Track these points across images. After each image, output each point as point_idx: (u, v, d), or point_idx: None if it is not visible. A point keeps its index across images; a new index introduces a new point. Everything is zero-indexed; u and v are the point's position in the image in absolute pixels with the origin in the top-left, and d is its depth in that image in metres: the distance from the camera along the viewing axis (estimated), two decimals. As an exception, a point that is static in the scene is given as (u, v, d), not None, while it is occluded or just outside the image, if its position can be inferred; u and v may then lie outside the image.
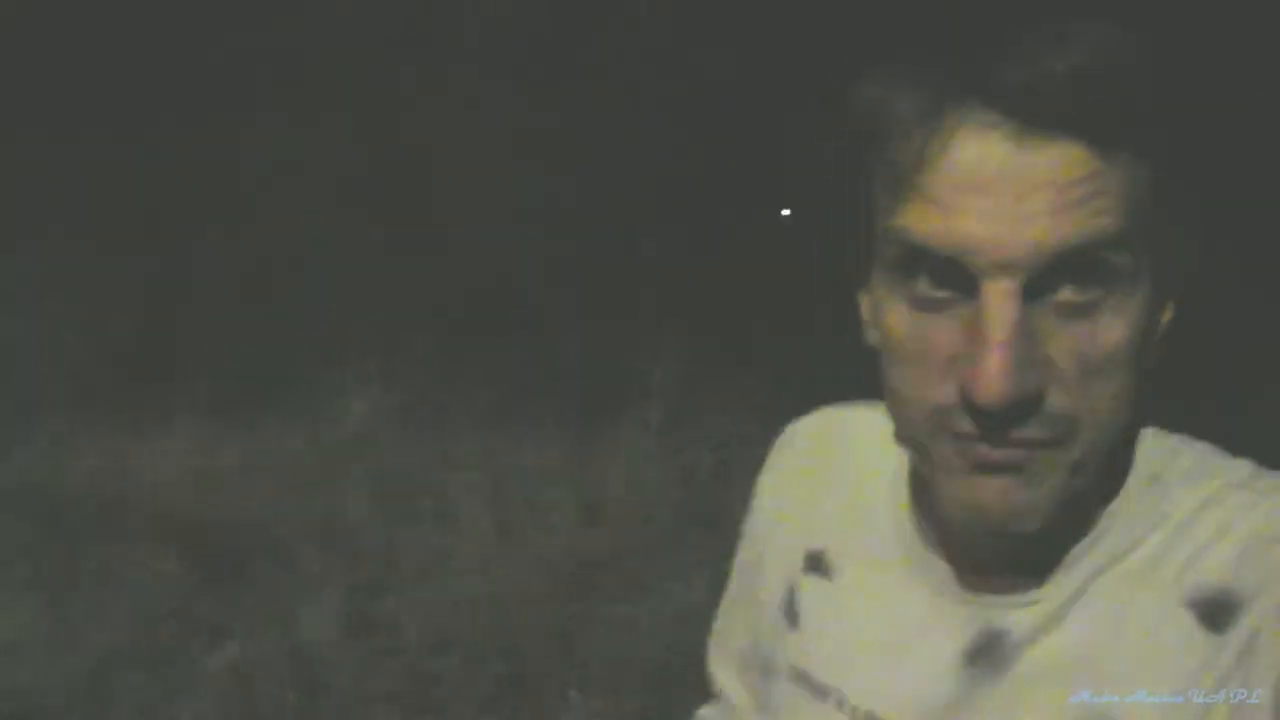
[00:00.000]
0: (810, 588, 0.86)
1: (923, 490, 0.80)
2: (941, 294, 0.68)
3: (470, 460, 4.65)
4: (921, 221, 0.67)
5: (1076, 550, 0.74)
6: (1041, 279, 0.65)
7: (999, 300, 0.65)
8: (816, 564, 0.86)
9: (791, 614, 0.86)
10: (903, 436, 0.74)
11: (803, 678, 0.84)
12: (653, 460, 4.66)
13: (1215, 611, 0.69)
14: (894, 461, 0.84)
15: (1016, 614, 0.74)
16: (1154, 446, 0.76)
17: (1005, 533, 0.70)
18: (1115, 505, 0.74)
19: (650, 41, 6.24)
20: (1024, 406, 0.66)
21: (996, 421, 0.66)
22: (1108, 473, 0.73)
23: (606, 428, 4.71)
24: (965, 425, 0.68)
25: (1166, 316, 0.74)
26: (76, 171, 6.50)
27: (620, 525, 4.45)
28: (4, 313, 5.85)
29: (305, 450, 4.85)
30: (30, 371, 5.66)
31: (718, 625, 1.01)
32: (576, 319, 5.63)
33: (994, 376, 0.64)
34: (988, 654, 0.75)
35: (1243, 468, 0.74)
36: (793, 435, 0.95)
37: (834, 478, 0.88)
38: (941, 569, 0.78)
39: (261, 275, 6.33)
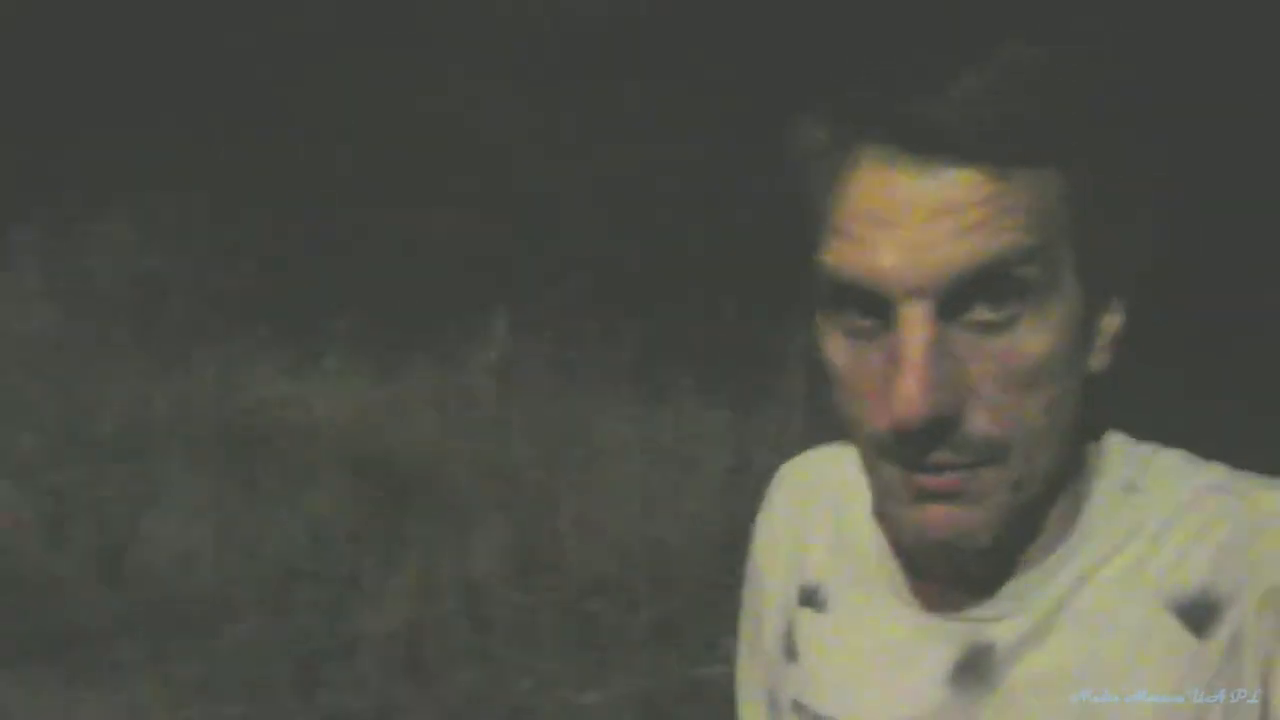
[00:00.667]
0: (805, 621, 0.87)
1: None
2: (867, 323, 0.70)
3: (621, 412, 4.74)
4: (839, 255, 0.69)
5: (1055, 559, 0.74)
6: (954, 300, 0.67)
7: (911, 324, 0.66)
8: (810, 598, 0.87)
9: (790, 649, 0.87)
10: (861, 463, 0.76)
11: (802, 710, 0.85)
12: (797, 423, 4.72)
13: (1198, 614, 0.70)
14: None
15: (1001, 627, 0.75)
16: (1126, 454, 0.77)
17: (957, 552, 0.72)
18: (1091, 513, 0.75)
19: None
20: (941, 426, 0.67)
21: (916, 442, 0.68)
22: (1072, 477, 0.75)
23: (755, 389, 4.77)
24: (899, 450, 0.70)
25: (1113, 320, 0.74)
26: (232, 114, 6.67)
27: (766, 485, 4.52)
28: (161, 248, 6.04)
29: (456, 391, 4.97)
30: (186, 305, 5.85)
31: (740, 670, 1.01)
32: (730, 279, 5.66)
33: (909, 396, 0.66)
34: (976, 669, 0.75)
35: (1217, 471, 0.75)
36: (784, 476, 0.96)
37: (824, 513, 0.89)
38: (925, 590, 0.79)
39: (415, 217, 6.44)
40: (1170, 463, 0.76)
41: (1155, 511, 0.74)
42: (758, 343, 5.01)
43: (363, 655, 3.53)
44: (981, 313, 0.67)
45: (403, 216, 6.35)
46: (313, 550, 3.88)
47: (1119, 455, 0.77)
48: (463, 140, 6.63)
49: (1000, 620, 0.75)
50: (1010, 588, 0.75)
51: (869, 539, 0.84)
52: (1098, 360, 0.74)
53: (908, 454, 0.69)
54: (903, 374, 0.66)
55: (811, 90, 0.73)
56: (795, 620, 0.88)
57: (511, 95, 6.77)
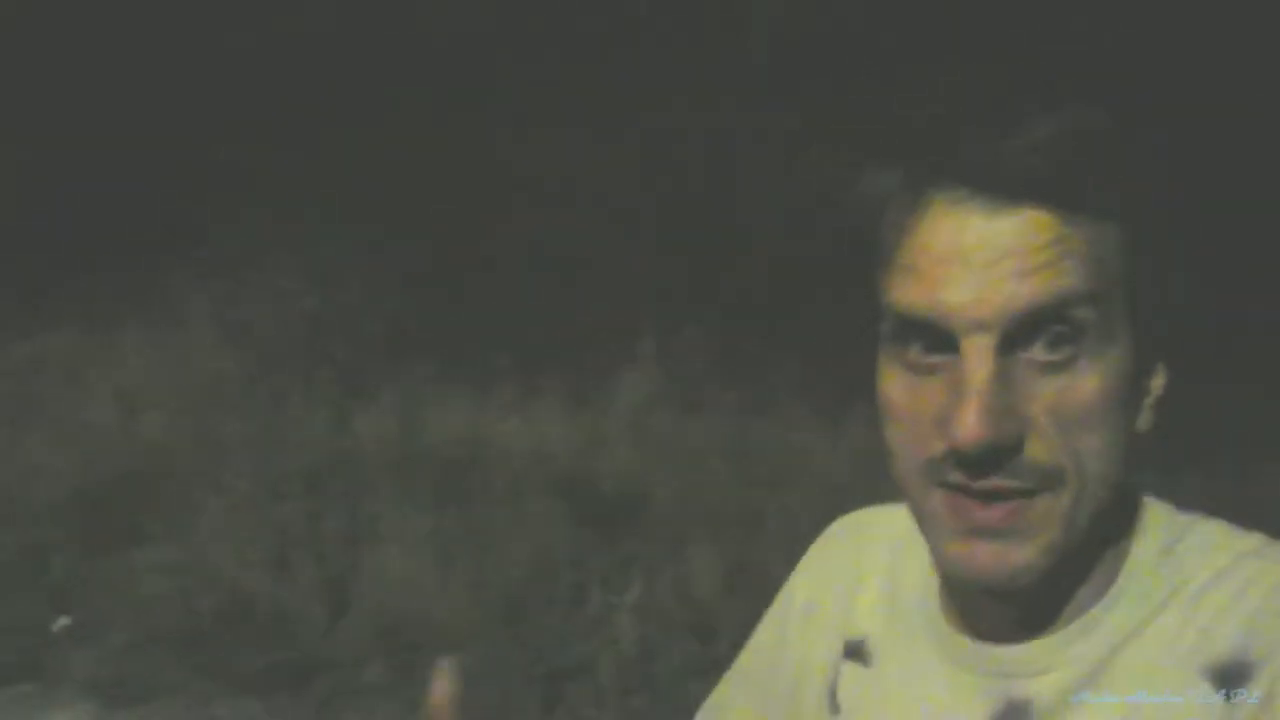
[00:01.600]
0: (851, 675, 0.88)
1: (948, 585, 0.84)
2: (931, 359, 0.73)
3: (806, 427, 4.80)
4: (906, 292, 0.72)
5: (1091, 617, 0.76)
6: (1016, 336, 0.70)
7: (975, 355, 0.70)
8: (856, 652, 0.88)
9: (834, 703, 0.88)
10: (907, 501, 0.78)
11: None
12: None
13: (1231, 679, 0.70)
14: (926, 555, 0.86)
15: (1037, 684, 0.76)
16: (1165, 519, 0.79)
17: (1004, 591, 0.73)
18: (1130, 572, 0.77)
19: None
20: (1002, 452, 0.70)
21: (977, 465, 0.70)
22: (1113, 534, 0.77)
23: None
24: (954, 476, 0.72)
25: (1158, 380, 0.77)
26: (390, 158, 6.86)
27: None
28: (338, 286, 6.24)
29: (640, 415, 5.07)
30: (360, 341, 6.04)
31: (715, 697, 1.02)
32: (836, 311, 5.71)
33: (972, 421, 0.68)
34: None
35: (1254, 539, 0.76)
36: (833, 533, 0.98)
37: (872, 570, 0.91)
38: (965, 645, 0.81)
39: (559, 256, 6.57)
40: (1209, 530, 0.78)
41: (1193, 577, 0.75)
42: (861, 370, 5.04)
43: (599, 673, 3.61)
44: (1040, 352, 0.70)
45: (559, 244, 6.50)
46: (536, 575, 3.98)
47: (1159, 520, 0.79)
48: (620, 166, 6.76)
49: (1038, 677, 0.76)
50: (1049, 644, 0.76)
51: (918, 595, 0.86)
52: (1144, 419, 0.76)
53: (966, 476, 0.71)
54: (965, 401, 0.69)
55: (884, 137, 0.77)
56: (841, 674, 0.89)
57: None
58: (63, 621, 4.22)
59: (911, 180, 0.73)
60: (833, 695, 0.89)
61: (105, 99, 6.90)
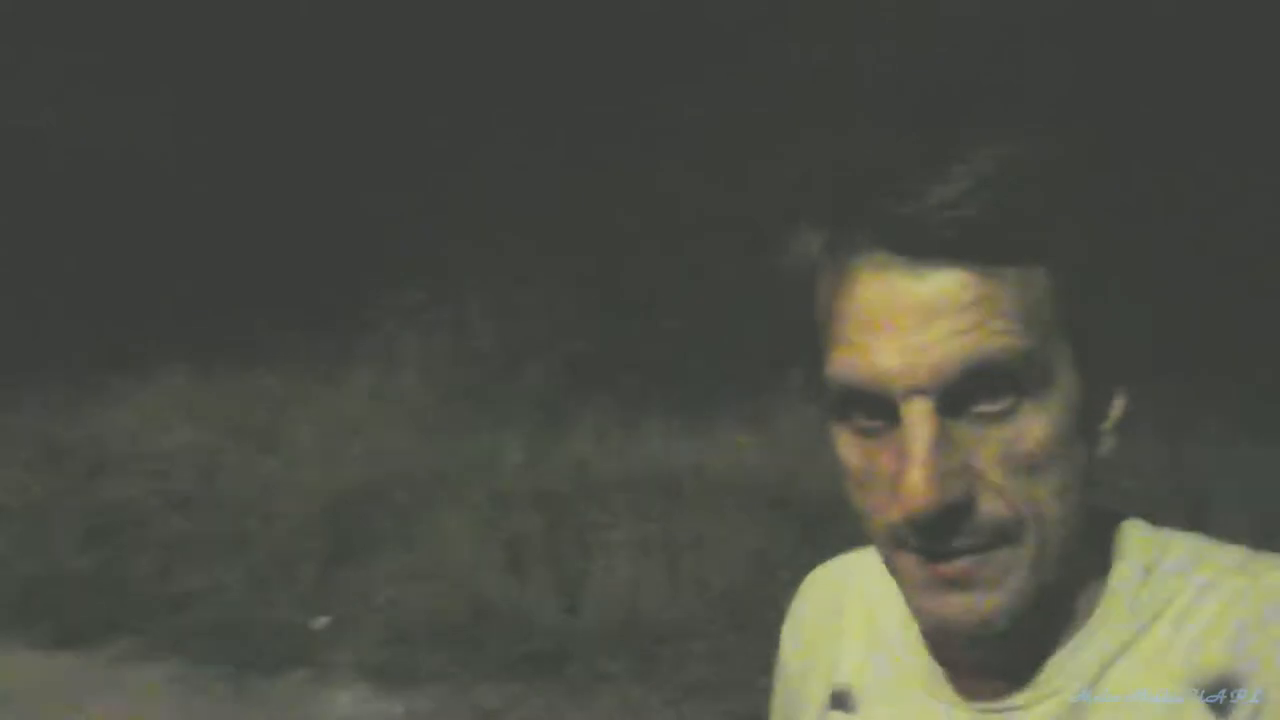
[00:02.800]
0: None
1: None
2: (875, 424, 0.72)
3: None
4: (844, 365, 0.72)
5: (1078, 642, 0.76)
6: (954, 396, 0.69)
7: (915, 420, 0.69)
8: (842, 701, 0.88)
9: None
10: (882, 559, 0.77)
11: None
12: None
13: (1220, 694, 0.71)
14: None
15: (1034, 714, 0.76)
16: (1143, 538, 0.79)
17: (978, 639, 0.73)
18: (1112, 595, 0.77)
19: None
20: (953, 514, 0.69)
21: (930, 531, 0.70)
22: (1088, 560, 0.76)
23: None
24: (912, 540, 0.72)
25: (1117, 406, 0.76)
26: (545, 196, 7.28)
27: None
28: (529, 319, 6.71)
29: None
30: (549, 370, 6.48)
31: None
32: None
33: (917, 488, 0.68)
34: None
35: (1235, 552, 0.76)
36: (810, 584, 0.97)
37: (853, 617, 0.91)
38: (955, 682, 0.80)
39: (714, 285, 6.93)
40: (1189, 546, 0.78)
41: (1177, 595, 0.75)
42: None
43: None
44: (981, 405, 0.70)
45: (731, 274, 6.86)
46: (755, 578, 4.35)
47: (1136, 540, 0.78)
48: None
49: (1029, 708, 0.76)
50: (1037, 674, 0.76)
51: (900, 638, 0.86)
52: (1104, 444, 0.76)
53: (923, 542, 0.71)
54: (910, 468, 0.69)
55: (805, 204, 0.77)
56: None
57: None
58: (322, 620, 4.71)
59: (833, 246, 0.73)
60: None
61: (318, 148, 7.47)
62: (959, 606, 0.71)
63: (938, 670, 0.82)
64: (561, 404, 6.00)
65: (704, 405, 5.73)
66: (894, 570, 0.76)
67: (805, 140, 6.02)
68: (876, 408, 0.71)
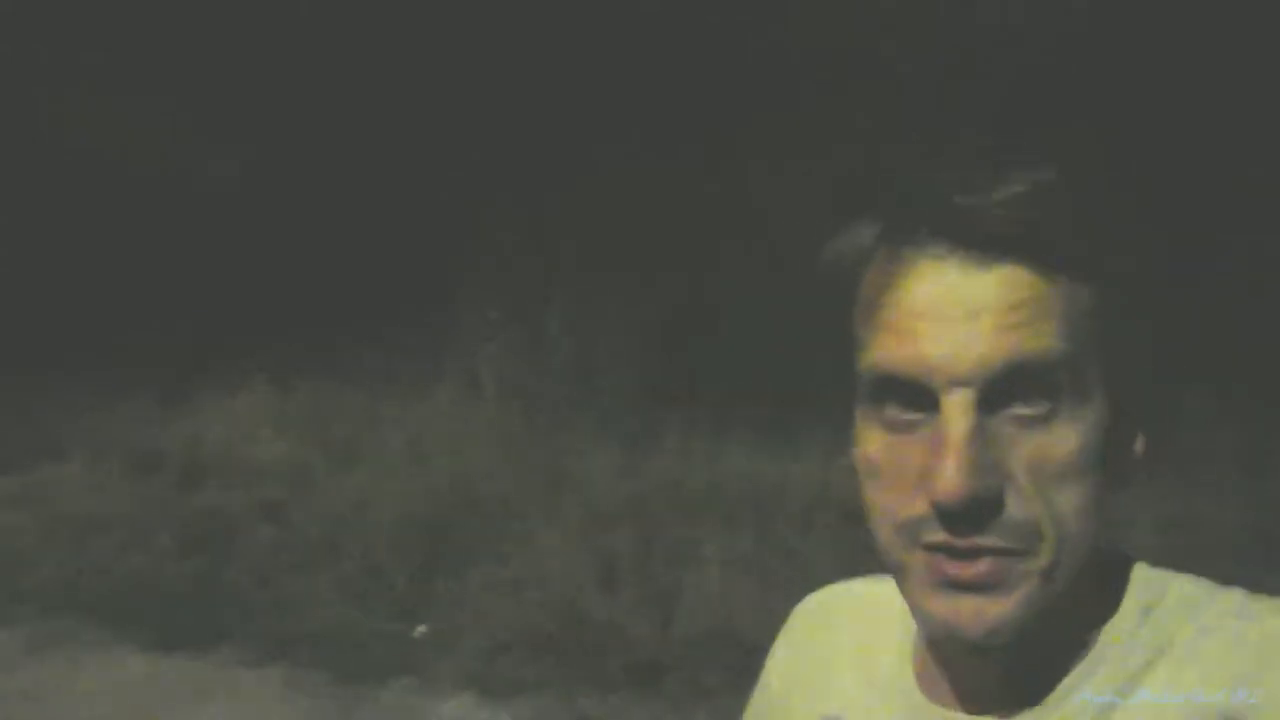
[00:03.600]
0: None
1: (923, 646, 0.84)
2: (910, 416, 0.73)
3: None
4: (887, 351, 0.73)
5: (1073, 677, 0.76)
6: (994, 392, 0.70)
7: (955, 410, 0.70)
8: None
9: None
10: (885, 558, 0.77)
11: None
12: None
13: None
14: (900, 630, 0.86)
15: None
16: (1145, 578, 0.78)
17: (984, 646, 0.72)
18: (1110, 633, 0.76)
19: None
20: (982, 506, 0.69)
21: (959, 520, 0.70)
22: (1091, 595, 0.76)
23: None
24: (936, 536, 0.71)
25: (1138, 446, 0.77)
26: (624, 208, 7.36)
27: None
28: (601, 335, 6.83)
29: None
30: (621, 387, 6.60)
31: None
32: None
33: (953, 475, 0.68)
34: None
35: (1235, 595, 0.76)
36: (804, 611, 0.98)
37: (845, 648, 0.90)
38: (947, 717, 0.80)
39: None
40: (1188, 588, 0.77)
41: (1175, 637, 0.75)
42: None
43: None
44: (1018, 408, 0.71)
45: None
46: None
47: (1137, 579, 0.79)
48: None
49: None
50: (1030, 709, 0.76)
51: (893, 670, 0.86)
52: (1123, 480, 0.76)
53: (947, 534, 0.71)
54: (946, 456, 0.69)
55: (864, 194, 0.78)
56: None
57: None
58: (422, 629, 4.85)
59: (890, 236, 0.74)
60: None
61: (400, 163, 7.62)
62: (969, 610, 0.71)
63: (929, 706, 0.81)
64: (643, 420, 6.12)
65: (786, 422, 5.82)
66: (902, 573, 0.75)
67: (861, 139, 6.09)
68: (914, 398, 0.72)
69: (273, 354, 6.86)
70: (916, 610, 0.76)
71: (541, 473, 5.74)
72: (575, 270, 7.25)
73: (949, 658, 0.79)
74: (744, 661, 4.02)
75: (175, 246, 7.44)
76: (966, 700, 0.79)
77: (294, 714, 4.36)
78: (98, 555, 5.74)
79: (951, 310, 0.71)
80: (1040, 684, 0.76)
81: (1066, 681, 0.75)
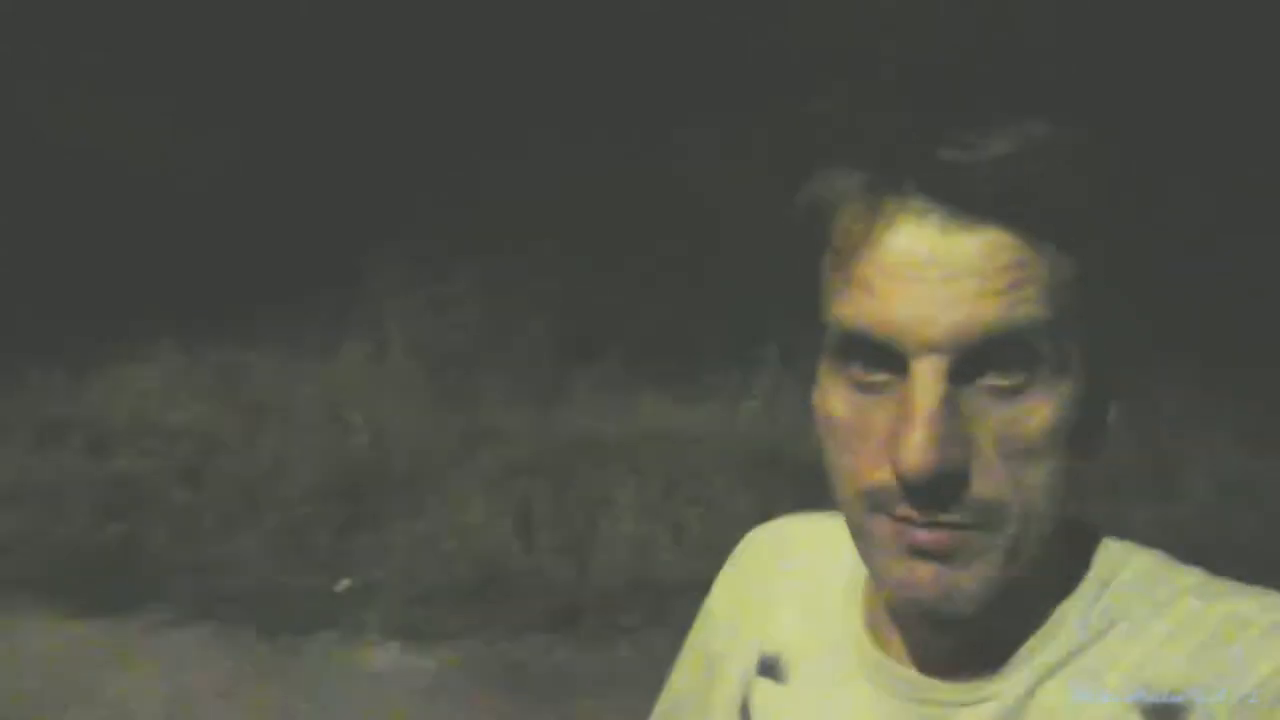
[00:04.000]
0: (763, 691, 0.86)
1: (876, 595, 0.82)
2: (876, 377, 0.70)
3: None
4: (856, 308, 0.69)
5: (1026, 648, 0.74)
6: (968, 361, 0.67)
7: (925, 377, 0.67)
8: (771, 668, 0.86)
9: (745, 718, 0.87)
10: (845, 516, 0.75)
11: None
12: None
13: (1165, 714, 0.69)
14: (849, 570, 0.84)
15: (968, 713, 0.75)
16: (1107, 551, 0.77)
17: (939, 616, 0.71)
18: (1067, 605, 0.75)
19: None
20: (947, 482, 0.67)
21: (923, 495, 0.68)
22: (1051, 567, 0.74)
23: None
24: (900, 507, 0.69)
25: (1110, 416, 0.75)
26: (535, 168, 7.46)
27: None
28: (509, 297, 6.96)
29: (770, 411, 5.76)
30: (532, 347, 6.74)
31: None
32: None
33: (917, 447, 0.66)
34: None
35: (1192, 574, 0.75)
36: (752, 541, 0.96)
37: (791, 584, 0.89)
38: (893, 671, 0.79)
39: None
40: (1147, 564, 0.77)
41: (1130, 609, 0.74)
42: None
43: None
44: (992, 378, 0.68)
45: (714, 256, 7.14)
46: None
47: (1100, 552, 0.77)
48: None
49: (968, 705, 0.75)
50: (982, 678, 0.75)
51: (841, 614, 0.84)
52: (1093, 451, 0.74)
53: (909, 507, 0.69)
54: (913, 426, 0.66)
55: (850, 138, 0.74)
56: (752, 690, 0.87)
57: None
58: (345, 583, 4.98)
59: (870, 185, 0.70)
60: (744, 712, 0.87)
61: (303, 120, 7.62)
62: (927, 577, 0.70)
63: (875, 655, 0.80)
64: (552, 377, 6.29)
65: (692, 375, 6.04)
66: (862, 536, 0.73)
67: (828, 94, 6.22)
68: (881, 360, 0.69)
69: (177, 320, 6.86)
70: (874, 572, 0.74)
71: (454, 429, 5.88)
72: (483, 230, 7.35)
73: (904, 619, 0.78)
74: (659, 603, 4.27)
75: (78, 214, 7.36)
76: (917, 657, 0.78)
77: (222, 670, 4.48)
78: (12, 526, 5.74)
79: (929, 271, 0.67)
80: (993, 651, 0.75)
81: (1020, 651, 0.74)
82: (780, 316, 6.27)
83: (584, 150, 7.27)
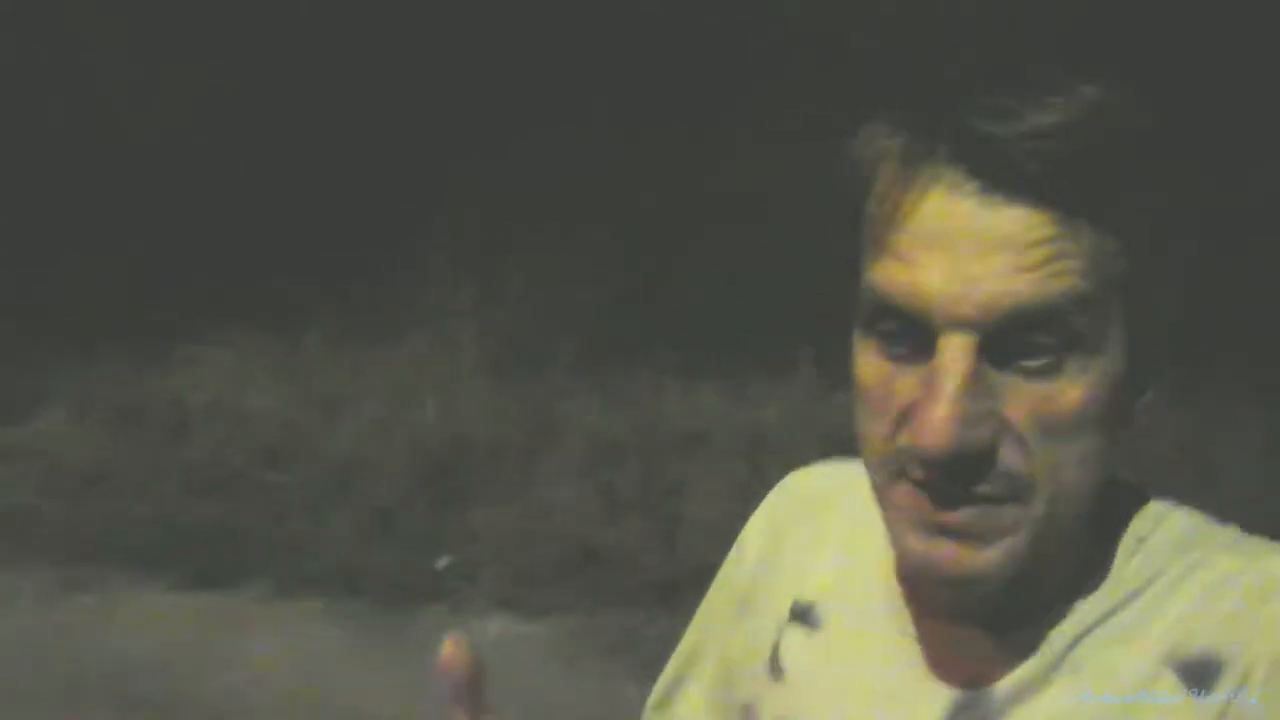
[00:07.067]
0: (796, 639, 0.85)
1: None
2: (905, 349, 0.69)
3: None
4: (887, 277, 0.68)
5: (1062, 609, 0.74)
6: (999, 337, 0.66)
7: (952, 354, 0.66)
8: (804, 615, 0.85)
9: (776, 667, 0.85)
10: (871, 483, 0.74)
11: None
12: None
13: (1200, 674, 0.68)
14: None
15: (1003, 669, 0.74)
16: (1145, 510, 0.76)
17: (963, 591, 0.70)
18: (1100, 566, 0.74)
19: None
20: (970, 461, 0.66)
21: (942, 473, 0.67)
22: (1083, 534, 0.73)
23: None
24: (918, 473, 0.68)
25: (1145, 395, 0.73)
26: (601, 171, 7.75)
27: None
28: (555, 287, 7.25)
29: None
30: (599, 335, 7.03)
31: (674, 672, 0.99)
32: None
33: (938, 426, 0.65)
34: (972, 716, 0.74)
35: (1229, 532, 0.75)
36: (791, 485, 0.94)
37: (829, 533, 0.87)
38: (929, 626, 0.78)
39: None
40: (1184, 521, 0.75)
41: (1165, 568, 0.73)
42: None
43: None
44: (1023, 357, 0.66)
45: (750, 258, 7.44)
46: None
47: (1134, 510, 0.76)
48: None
49: (1001, 663, 0.74)
50: (1015, 635, 0.74)
51: (876, 565, 0.82)
52: (1125, 427, 0.72)
53: (931, 483, 0.68)
54: (935, 403, 0.65)
55: (890, 99, 0.71)
56: (784, 636, 0.86)
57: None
58: (445, 560, 5.28)
59: (909, 151, 0.68)
60: (774, 659, 0.86)
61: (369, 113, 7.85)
62: (949, 554, 0.69)
63: (910, 610, 0.79)
64: (617, 368, 6.59)
65: (753, 368, 6.34)
66: (885, 502, 0.73)
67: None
68: (910, 331, 0.68)
69: (249, 305, 7.10)
70: (894, 541, 0.73)
71: (527, 413, 6.19)
72: (544, 217, 7.59)
73: (927, 587, 0.76)
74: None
75: (155, 200, 7.59)
76: (949, 616, 0.76)
77: (341, 639, 4.77)
78: (106, 504, 5.99)
79: (963, 243, 0.65)
80: (1028, 606, 0.73)
81: (1056, 608, 0.74)
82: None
83: (644, 137, 7.49)
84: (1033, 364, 0.66)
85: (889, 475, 0.71)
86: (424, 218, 7.48)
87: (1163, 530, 0.75)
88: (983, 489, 0.67)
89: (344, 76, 7.75)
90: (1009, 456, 0.67)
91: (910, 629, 0.79)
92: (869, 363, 0.71)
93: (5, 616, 5.07)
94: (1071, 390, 0.67)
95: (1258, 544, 0.74)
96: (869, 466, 0.74)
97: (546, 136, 7.72)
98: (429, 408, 6.38)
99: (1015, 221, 0.65)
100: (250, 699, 4.39)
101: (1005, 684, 0.73)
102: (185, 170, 7.55)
